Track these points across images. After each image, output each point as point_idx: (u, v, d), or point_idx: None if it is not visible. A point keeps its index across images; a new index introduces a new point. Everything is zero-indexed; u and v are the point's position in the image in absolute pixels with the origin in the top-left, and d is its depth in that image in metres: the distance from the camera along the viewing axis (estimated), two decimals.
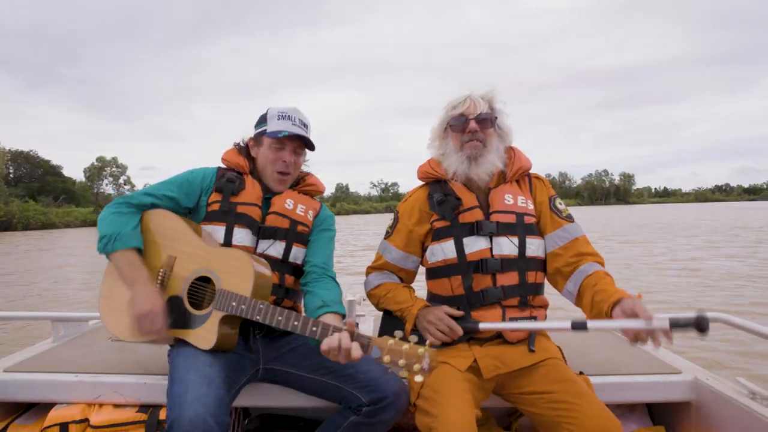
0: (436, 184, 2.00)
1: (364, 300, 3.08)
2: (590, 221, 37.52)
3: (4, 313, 2.53)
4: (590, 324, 1.61)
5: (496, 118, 1.95)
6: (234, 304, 1.71)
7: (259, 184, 2.03)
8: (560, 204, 1.98)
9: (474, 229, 1.87)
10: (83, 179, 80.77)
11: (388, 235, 2.07)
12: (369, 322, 2.96)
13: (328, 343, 1.56)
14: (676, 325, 1.47)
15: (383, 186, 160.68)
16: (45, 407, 2.02)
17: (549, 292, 1.96)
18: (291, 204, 2.03)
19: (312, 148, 2.09)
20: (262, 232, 1.94)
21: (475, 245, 1.86)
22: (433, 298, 1.96)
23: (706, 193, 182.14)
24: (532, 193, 1.98)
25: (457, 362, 1.80)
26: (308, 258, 2.03)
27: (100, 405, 1.98)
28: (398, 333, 1.53)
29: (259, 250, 1.94)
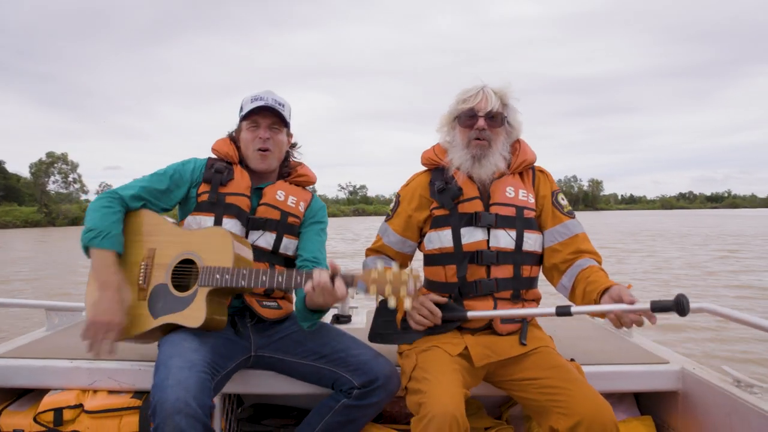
0: (438, 171, 2.00)
1: (356, 293, 3.10)
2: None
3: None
4: (574, 309, 1.65)
5: (505, 117, 1.94)
6: (218, 276, 1.73)
7: (248, 174, 2.04)
8: (562, 199, 1.99)
9: (473, 219, 1.88)
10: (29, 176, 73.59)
11: (388, 217, 2.09)
12: (362, 314, 2.98)
13: (314, 278, 1.60)
14: (657, 308, 1.52)
15: (351, 188, 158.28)
16: (39, 393, 2.03)
17: (542, 287, 1.99)
18: (282, 195, 2.04)
19: (286, 123, 2.07)
20: (251, 223, 1.96)
21: (472, 236, 1.88)
22: (430, 285, 1.98)
23: (672, 201, 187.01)
24: (534, 187, 1.99)
25: (449, 347, 1.83)
26: (300, 251, 2.05)
27: (95, 391, 1.99)
28: (380, 263, 1.56)
29: (248, 241, 1.95)
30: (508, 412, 2.25)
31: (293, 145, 2.19)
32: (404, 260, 2.11)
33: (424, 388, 1.64)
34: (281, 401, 2.42)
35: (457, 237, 1.89)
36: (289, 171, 2.15)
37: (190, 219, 1.96)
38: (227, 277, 1.73)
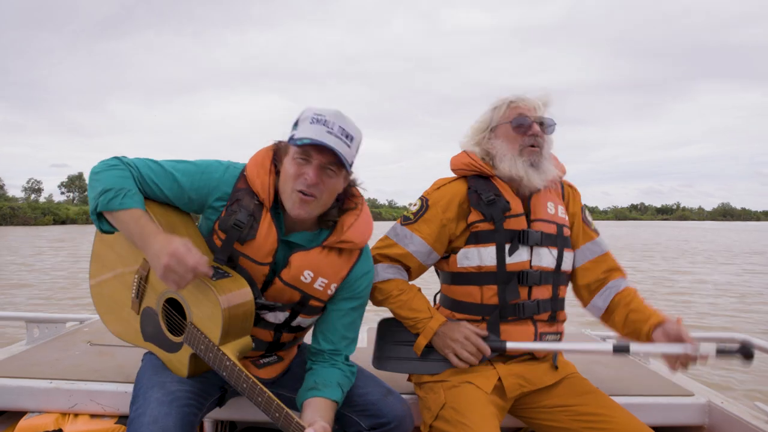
0: (478, 180, 1.79)
1: None
2: None
3: None
4: (633, 347, 1.56)
5: (555, 124, 1.80)
6: (202, 347, 1.47)
7: (275, 227, 1.58)
8: (589, 215, 1.91)
9: (519, 237, 1.73)
10: None
11: (410, 221, 1.81)
12: (361, 332, 2.82)
13: None
14: (722, 351, 1.45)
15: None
16: (15, 415, 1.87)
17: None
18: (309, 277, 1.58)
19: (346, 168, 1.54)
20: (259, 305, 1.57)
21: (518, 255, 1.73)
22: (456, 305, 1.81)
23: (625, 212, 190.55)
24: (565, 202, 1.89)
25: (482, 382, 1.68)
26: (318, 332, 1.69)
27: (76, 414, 1.84)
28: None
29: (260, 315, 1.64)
30: None
31: (351, 183, 1.65)
32: (420, 273, 1.90)
33: None
34: (275, 427, 2.26)
35: (501, 255, 1.72)
36: (331, 224, 1.63)
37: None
38: (210, 356, 1.46)
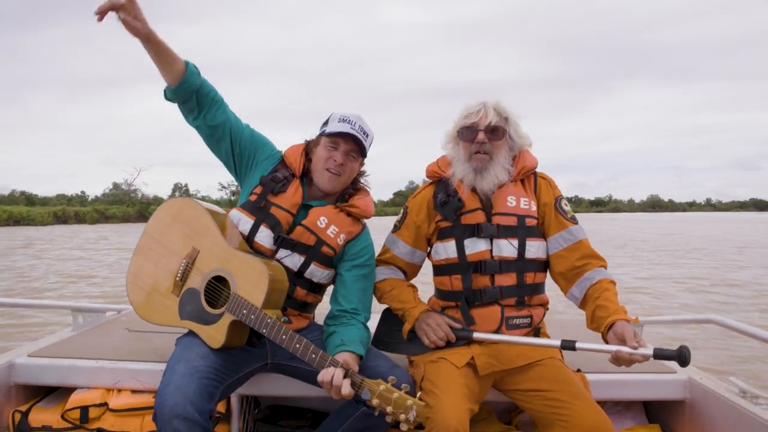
0: (441, 183, 2.06)
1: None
2: None
3: (26, 301, 2.63)
4: (579, 345, 1.70)
5: (506, 130, 1.98)
6: (245, 311, 1.76)
7: (302, 191, 2.01)
8: (566, 205, 2.02)
9: (475, 230, 1.94)
10: None
11: (396, 228, 2.13)
12: (373, 318, 3.01)
13: (323, 375, 1.64)
14: (660, 356, 1.58)
15: (233, 188, 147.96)
16: (66, 391, 2.12)
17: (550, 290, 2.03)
18: (324, 222, 1.97)
19: (364, 154, 2.06)
20: (282, 241, 1.94)
21: (475, 247, 1.94)
22: (439, 294, 2.06)
23: None
24: (536, 193, 2.02)
25: (455, 359, 1.88)
26: (339, 297, 2.00)
27: (119, 390, 2.08)
28: (391, 379, 1.61)
29: (277, 256, 1.96)
30: (518, 418, 2.29)
31: (361, 173, 2.13)
32: (414, 271, 2.17)
33: (432, 402, 1.71)
34: (296, 403, 2.49)
35: (461, 248, 1.95)
36: (346, 196, 2.08)
37: (235, 213, 1.99)
38: (252, 317, 1.75)
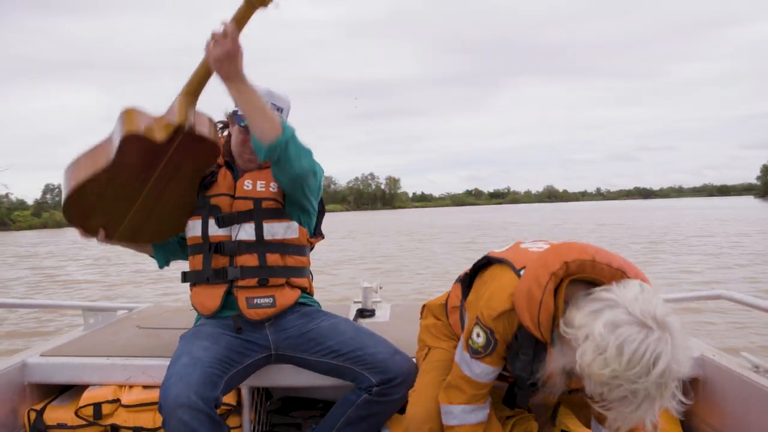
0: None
1: (381, 288, 3.16)
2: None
3: (37, 301, 2.67)
4: None
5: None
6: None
7: (231, 173, 2.02)
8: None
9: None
10: None
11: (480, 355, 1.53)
12: (386, 308, 3.00)
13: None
14: None
15: None
16: (79, 389, 2.15)
17: None
18: (249, 184, 1.98)
19: None
20: (222, 221, 1.94)
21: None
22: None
23: (462, 197, 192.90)
24: None
25: (447, 346, 1.82)
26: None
27: (131, 386, 2.10)
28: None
29: (231, 235, 1.95)
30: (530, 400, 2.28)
31: None
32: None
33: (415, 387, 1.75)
34: (307, 394, 2.50)
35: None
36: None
37: (188, 223, 2.02)
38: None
